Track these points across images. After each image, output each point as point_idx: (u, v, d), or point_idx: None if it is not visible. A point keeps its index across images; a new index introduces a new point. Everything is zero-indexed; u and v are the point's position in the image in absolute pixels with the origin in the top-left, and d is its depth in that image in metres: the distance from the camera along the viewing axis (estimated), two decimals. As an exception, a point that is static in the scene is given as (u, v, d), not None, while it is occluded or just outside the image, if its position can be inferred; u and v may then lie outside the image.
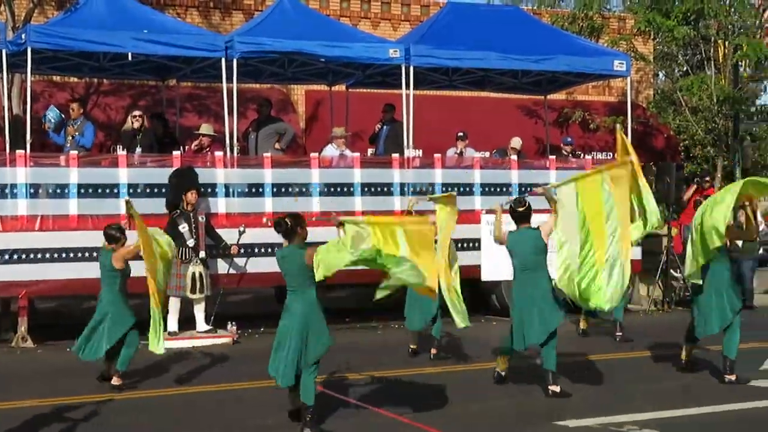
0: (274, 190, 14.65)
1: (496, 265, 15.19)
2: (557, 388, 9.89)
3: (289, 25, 15.54)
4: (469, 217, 15.45)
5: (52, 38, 14.13)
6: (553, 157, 17.24)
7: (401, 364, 11.76)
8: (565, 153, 18.07)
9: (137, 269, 10.45)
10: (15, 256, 13.15)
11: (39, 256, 13.23)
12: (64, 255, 13.30)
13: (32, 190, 13.46)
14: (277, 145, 15.95)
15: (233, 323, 13.92)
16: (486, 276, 15.39)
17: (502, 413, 9.40)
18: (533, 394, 10.07)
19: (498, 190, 15.87)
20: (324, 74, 17.93)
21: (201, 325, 13.87)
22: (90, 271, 11.90)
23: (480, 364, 11.70)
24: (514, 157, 16.51)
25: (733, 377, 10.48)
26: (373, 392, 10.17)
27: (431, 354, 12.13)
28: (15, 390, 10.39)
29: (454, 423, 8.89)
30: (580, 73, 17.47)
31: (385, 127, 17.24)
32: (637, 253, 15.28)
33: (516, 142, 16.96)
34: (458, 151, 16.84)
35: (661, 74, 29.73)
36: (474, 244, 15.40)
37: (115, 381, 10.42)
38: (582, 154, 18.86)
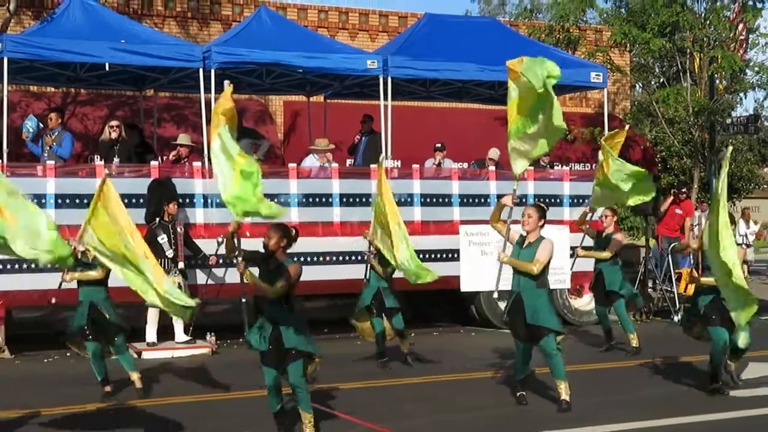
0: (253, 200, 14.58)
1: (474, 275, 15.27)
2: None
3: (267, 35, 15.52)
4: (447, 227, 15.52)
5: (28, 48, 14.04)
6: (532, 168, 17.26)
7: (383, 375, 11.76)
8: (543, 164, 18.10)
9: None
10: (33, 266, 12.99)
11: (16, 266, 13.13)
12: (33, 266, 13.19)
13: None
14: (255, 156, 15.89)
15: (212, 333, 13.89)
16: (465, 287, 15.41)
17: (480, 425, 9.40)
18: (517, 405, 10.03)
19: (476, 201, 15.90)
20: (302, 85, 17.93)
21: (180, 335, 13.83)
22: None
23: (462, 375, 11.71)
24: (492, 168, 16.54)
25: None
26: (355, 403, 10.12)
27: (405, 356, 12.19)
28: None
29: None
30: (557, 84, 17.45)
31: (363, 138, 17.26)
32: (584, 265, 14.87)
33: (494, 153, 16.99)
34: (436, 162, 16.85)
35: (637, 86, 29.96)
36: (452, 255, 15.43)
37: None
38: (560, 165, 18.88)
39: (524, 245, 9.90)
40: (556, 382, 9.84)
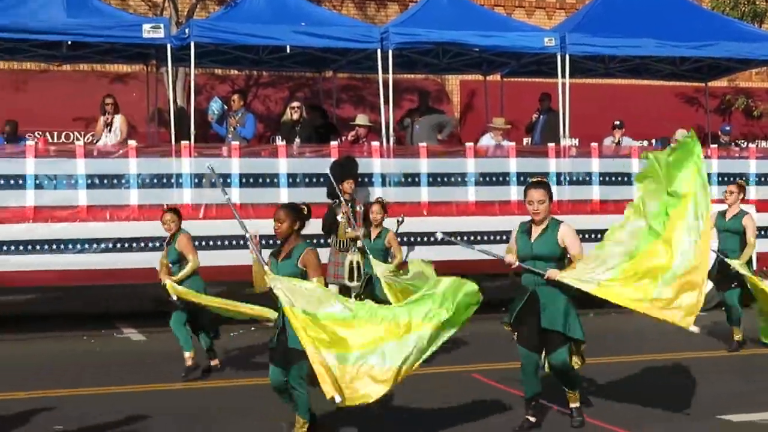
0: (430, 179, 14.72)
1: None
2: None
3: (444, 15, 15.57)
4: (627, 206, 15.25)
5: (214, 33, 14.52)
6: (714, 146, 16.82)
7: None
8: (723, 141, 17.58)
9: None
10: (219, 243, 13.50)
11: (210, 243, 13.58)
12: (227, 242, 13.64)
13: (196, 180, 13.87)
14: (438, 137, 16.04)
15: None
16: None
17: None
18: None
19: (657, 179, 15.57)
20: (478, 64, 17.91)
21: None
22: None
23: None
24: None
25: None
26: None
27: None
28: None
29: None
30: (742, 59, 16.98)
31: (541, 116, 17.16)
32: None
33: (681, 134, 16.53)
34: (615, 141, 16.60)
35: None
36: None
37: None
38: (746, 143, 18.31)
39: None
40: (567, 393, 8.13)
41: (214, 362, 10.76)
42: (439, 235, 8.45)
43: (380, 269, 10.93)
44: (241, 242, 13.39)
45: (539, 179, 8.16)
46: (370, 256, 11.34)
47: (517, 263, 7.91)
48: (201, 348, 10.73)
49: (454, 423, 8.30)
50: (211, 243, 13.53)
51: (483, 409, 8.75)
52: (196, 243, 13.09)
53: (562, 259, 7.94)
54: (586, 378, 8.94)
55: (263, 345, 10.52)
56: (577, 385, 8.14)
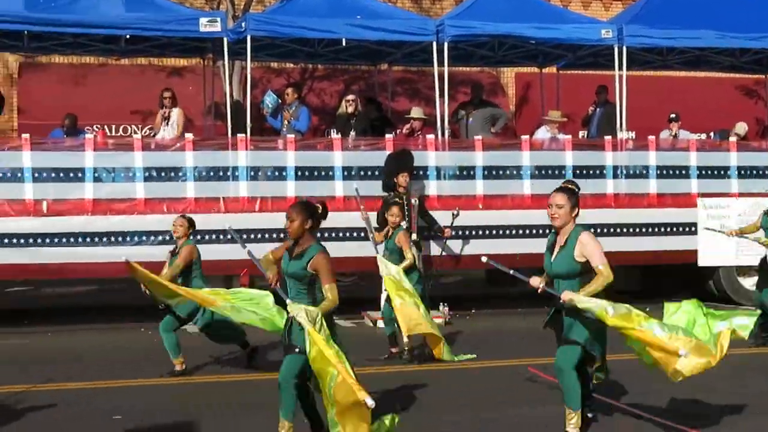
0: (485, 172, 14.68)
1: (713, 250, 14.82)
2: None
3: (499, 7, 15.50)
4: (684, 200, 15.14)
5: (270, 26, 14.59)
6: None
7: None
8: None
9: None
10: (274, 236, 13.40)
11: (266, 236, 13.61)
12: (283, 235, 13.66)
13: (252, 173, 13.95)
14: (492, 129, 16.00)
15: (445, 305, 14.04)
16: (703, 261, 14.98)
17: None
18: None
19: (715, 173, 15.43)
20: (534, 56, 17.81)
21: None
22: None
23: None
24: (733, 139, 15.97)
25: None
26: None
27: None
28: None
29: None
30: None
31: (598, 109, 17.03)
32: None
33: (741, 127, 16.40)
34: (672, 133, 16.44)
35: None
36: (690, 228, 15.03)
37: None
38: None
39: None
40: (566, 409, 7.34)
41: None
42: (484, 259, 8.14)
43: (392, 269, 10.84)
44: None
45: (566, 184, 7.70)
46: (380, 257, 11.12)
47: (541, 287, 7.39)
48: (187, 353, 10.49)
49: (511, 415, 8.32)
50: (266, 236, 13.58)
51: (539, 401, 8.74)
52: (251, 236, 13.25)
53: (586, 273, 7.23)
54: (644, 375, 8.81)
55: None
56: (576, 405, 7.29)
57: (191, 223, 10.62)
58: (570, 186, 7.59)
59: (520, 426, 8.12)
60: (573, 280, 7.25)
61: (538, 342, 9.33)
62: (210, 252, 11.90)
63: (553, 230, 7.45)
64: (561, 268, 7.29)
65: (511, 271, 7.74)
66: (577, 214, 7.34)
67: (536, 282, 7.43)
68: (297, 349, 6.96)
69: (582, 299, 7.11)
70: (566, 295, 7.15)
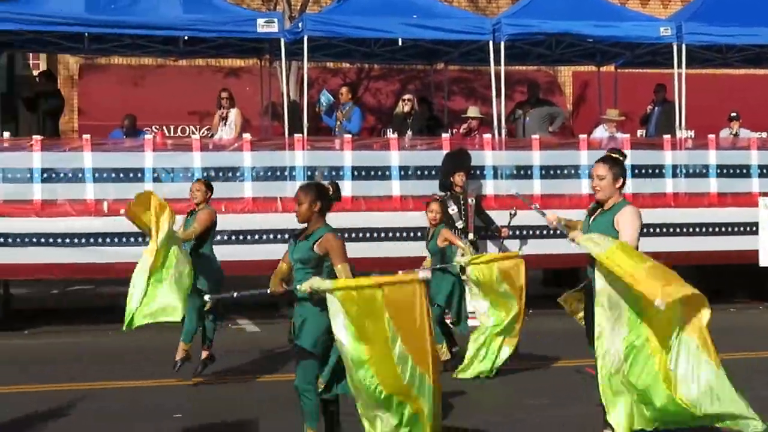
0: (543, 172, 14.61)
1: (776, 250, 14.62)
2: None
3: (556, 5, 15.42)
4: (745, 200, 14.95)
5: (327, 26, 14.63)
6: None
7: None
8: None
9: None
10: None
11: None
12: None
13: (309, 173, 14.00)
14: (549, 128, 15.92)
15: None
16: (765, 261, 14.77)
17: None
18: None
19: (777, 171, 15.24)
20: (592, 55, 17.68)
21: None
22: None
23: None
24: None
25: None
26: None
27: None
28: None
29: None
30: None
31: (656, 107, 16.88)
32: None
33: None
34: (732, 132, 16.25)
35: None
36: (751, 228, 14.82)
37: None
38: None
39: None
40: None
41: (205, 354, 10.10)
42: (514, 191, 7.82)
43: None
44: (353, 234, 13.55)
45: (610, 153, 7.14)
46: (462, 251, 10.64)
47: (554, 224, 7.09)
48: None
49: (565, 416, 8.30)
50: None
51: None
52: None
53: None
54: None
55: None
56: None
57: (209, 187, 10.26)
58: (613, 155, 7.07)
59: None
60: None
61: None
62: (267, 252, 11.94)
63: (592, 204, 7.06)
64: (597, 230, 6.76)
65: (536, 206, 7.54)
66: (622, 185, 6.87)
67: (553, 217, 7.23)
68: (305, 352, 6.69)
69: (585, 237, 6.58)
70: (573, 234, 6.72)
